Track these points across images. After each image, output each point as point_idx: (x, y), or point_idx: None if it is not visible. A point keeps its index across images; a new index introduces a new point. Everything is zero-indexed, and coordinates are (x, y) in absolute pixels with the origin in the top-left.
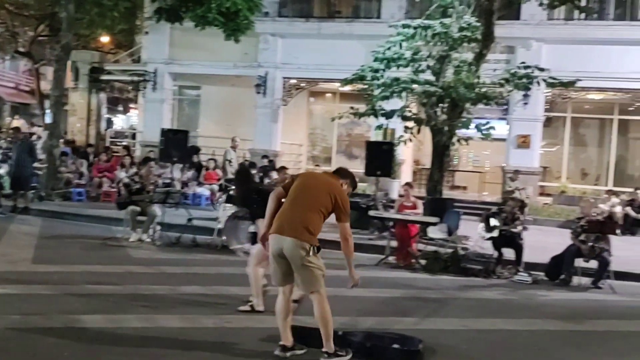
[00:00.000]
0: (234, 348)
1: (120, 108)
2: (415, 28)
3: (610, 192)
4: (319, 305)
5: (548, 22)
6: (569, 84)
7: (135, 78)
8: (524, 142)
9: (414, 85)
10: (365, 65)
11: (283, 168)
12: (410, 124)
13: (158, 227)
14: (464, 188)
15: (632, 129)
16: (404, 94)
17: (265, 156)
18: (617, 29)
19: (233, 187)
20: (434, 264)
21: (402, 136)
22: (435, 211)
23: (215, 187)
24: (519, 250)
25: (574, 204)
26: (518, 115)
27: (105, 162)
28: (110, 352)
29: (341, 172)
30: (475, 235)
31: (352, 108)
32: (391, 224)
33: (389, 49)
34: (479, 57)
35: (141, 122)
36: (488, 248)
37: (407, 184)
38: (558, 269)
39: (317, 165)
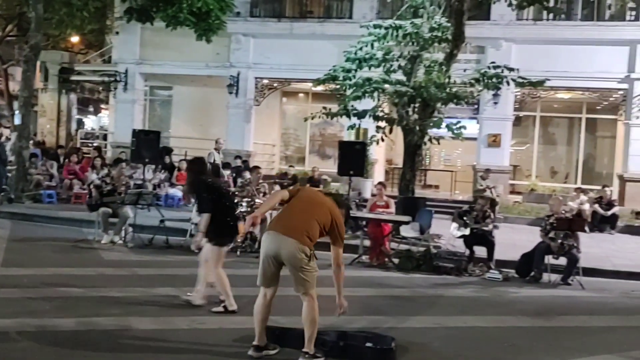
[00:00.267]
0: (208, 349)
1: (91, 109)
2: (386, 28)
3: (579, 190)
4: (309, 307)
5: (517, 22)
6: (538, 84)
7: (106, 78)
8: (494, 141)
9: (386, 86)
10: (338, 65)
11: (256, 168)
12: (382, 123)
13: (130, 229)
14: (436, 187)
15: (600, 128)
16: (375, 94)
17: (238, 156)
18: (585, 29)
19: None
20: (407, 263)
21: (374, 136)
22: (408, 210)
23: None
24: (490, 248)
25: (543, 201)
26: (488, 115)
27: (76, 164)
28: (83, 356)
29: (339, 202)
30: (447, 234)
31: (324, 108)
32: (364, 223)
33: (360, 49)
34: (450, 57)
35: (112, 123)
36: (460, 246)
37: (380, 183)
38: (528, 266)
39: (291, 167)
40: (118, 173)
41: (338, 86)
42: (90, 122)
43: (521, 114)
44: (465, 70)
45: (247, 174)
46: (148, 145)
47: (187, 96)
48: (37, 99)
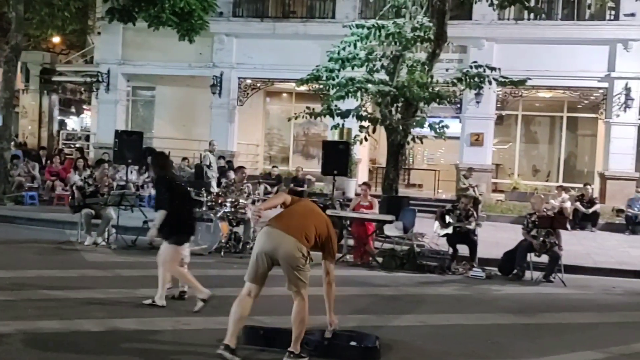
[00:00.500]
0: (193, 350)
1: (73, 110)
2: (369, 28)
3: (561, 188)
4: (299, 306)
5: (499, 22)
6: (520, 83)
7: (88, 79)
8: (477, 140)
9: (369, 85)
10: (321, 65)
11: (241, 168)
12: (366, 123)
13: (113, 230)
14: (420, 186)
15: (581, 126)
16: (359, 93)
17: (221, 157)
18: (565, 28)
19: (189, 189)
20: (391, 262)
21: (357, 135)
22: (391, 209)
23: None
24: (473, 246)
25: (525, 200)
26: (471, 114)
27: (59, 165)
28: (67, 358)
29: (334, 222)
30: (430, 233)
31: (308, 108)
32: (348, 222)
33: (343, 49)
34: (432, 57)
35: (94, 123)
36: (443, 245)
37: (365, 183)
38: (511, 264)
39: (274, 167)
40: (101, 174)
41: (321, 86)
42: (72, 123)
43: (503, 113)
44: (447, 70)
45: (232, 174)
46: (131, 146)
47: (170, 96)
48: (18, 100)
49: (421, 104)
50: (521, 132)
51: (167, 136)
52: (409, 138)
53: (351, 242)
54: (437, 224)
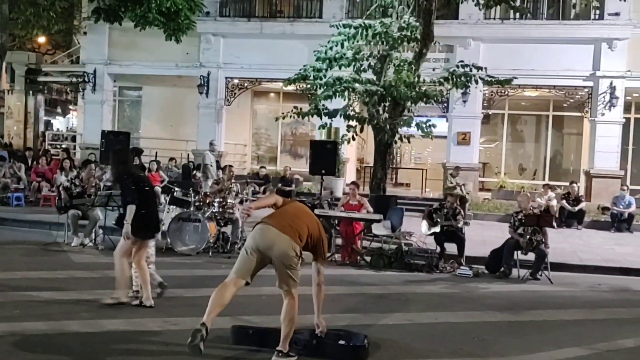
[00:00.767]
0: (181, 350)
1: (59, 110)
2: (356, 28)
3: (547, 186)
4: (290, 305)
5: (485, 21)
6: (506, 82)
7: (74, 79)
8: (464, 139)
9: (356, 85)
10: (308, 64)
11: (229, 167)
12: (353, 122)
13: (100, 231)
14: (407, 185)
15: (567, 125)
16: (346, 93)
17: None
18: (550, 28)
19: (177, 189)
20: (379, 261)
21: (345, 135)
22: (379, 208)
23: (159, 189)
24: (460, 244)
25: (512, 198)
26: (458, 113)
27: (45, 166)
28: None
29: (325, 227)
30: (418, 231)
31: (295, 108)
32: (336, 222)
33: (330, 48)
34: (419, 56)
35: (81, 124)
36: (431, 243)
37: (354, 183)
38: (498, 262)
39: (262, 168)
40: (87, 175)
41: (309, 86)
42: (58, 124)
43: (490, 112)
44: (434, 69)
45: (221, 173)
46: (117, 146)
47: (157, 96)
48: (4, 101)
49: (408, 104)
50: (507, 131)
51: (154, 136)
52: (397, 137)
53: (339, 241)
54: (424, 222)
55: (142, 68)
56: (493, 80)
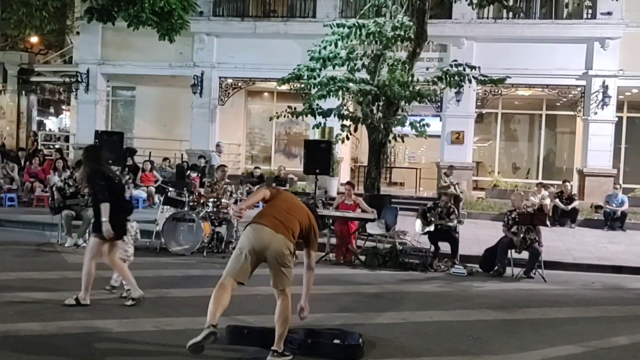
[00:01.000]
0: (176, 350)
1: (52, 110)
2: (349, 27)
3: (540, 185)
4: (284, 305)
5: (478, 21)
6: (499, 81)
7: (67, 79)
8: (457, 138)
9: (350, 84)
10: (302, 64)
11: (222, 166)
12: (347, 122)
13: None
14: (401, 184)
15: (560, 124)
16: (340, 92)
17: (202, 156)
18: (543, 27)
19: (171, 189)
20: (373, 260)
21: (339, 134)
22: (373, 207)
23: (152, 189)
24: (454, 243)
25: (506, 197)
26: (451, 112)
27: (38, 166)
28: None
29: (311, 209)
30: (412, 230)
31: (289, 107)
32: (331, 221)
33: (324, 48)
34: (413, 56)
35: (74, 124)
36: (425, 242)
37: (349, 183)
38: (492, 261)
39: (257, 168)
40: (80, 175)
41: (303, 85)
42: (51, 124)
43: (483, 111)
44: (428, 69)
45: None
46: (111, 147)
47: (151, 96)
48: None
49: (402, 103)
50: (501, 130)
51: (148, 136)
52: (391, 137)
53: (334, 240)
54: (418, 221)
55: (136, 68)
56: (486, 79)
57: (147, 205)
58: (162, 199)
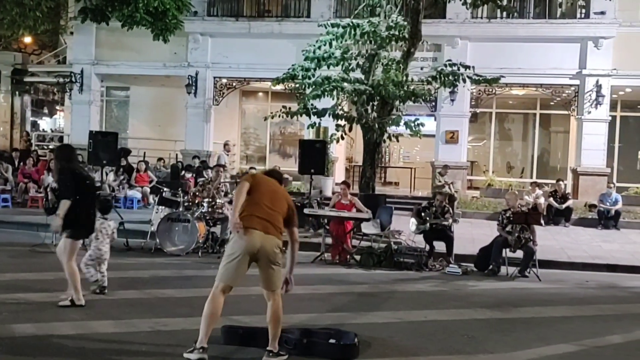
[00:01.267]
0: (171, 351)
1: (46, 110)
2: (344, 27)
3: (534, 184)
4: (276, 305)
5: (472, 20)
6: (493, 81)
7: (61, 79)
8: (452, 138)
9: (345, 84)
10: (296, 64)
11: (218, 166)
12: (342, 122)
13: None
14: (396, 184)
15: (554, 123)
16: (335, 92)
17: (196, 156)
18: (537, 26)
19: (166, 189)
20: (368, 259)
21: (334, 134)
22: (368, 207)
23: (147, 189)
24: (449, 243)
25: (500, 196)
26: (446, 112)
27: (32, 167)
28: None
29: (280, 179)
30: (407, 230)
31: (284, 107)
32: (326, 221)
33: (319, 48)
34: (407, 55)
35: (68, 124)
36: (420, 242)
37: (344, 182)
38: (486, 260)
39: (252, 168)
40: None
41: (297, 85)
42: (45, 124)
43: (477, 110)
44: (422, 68)
45: (210, 172)
46: (106, 147)
47: (145, 96)
48: None
49: (397, 103)
50: (495, 130)
51: (142, 136)
52: (385, 136)
53: (329, 240)
54: (413, 221)
55: (130, 68)
56: (480, 79)
57: (142, 206)
58: (156, 199)
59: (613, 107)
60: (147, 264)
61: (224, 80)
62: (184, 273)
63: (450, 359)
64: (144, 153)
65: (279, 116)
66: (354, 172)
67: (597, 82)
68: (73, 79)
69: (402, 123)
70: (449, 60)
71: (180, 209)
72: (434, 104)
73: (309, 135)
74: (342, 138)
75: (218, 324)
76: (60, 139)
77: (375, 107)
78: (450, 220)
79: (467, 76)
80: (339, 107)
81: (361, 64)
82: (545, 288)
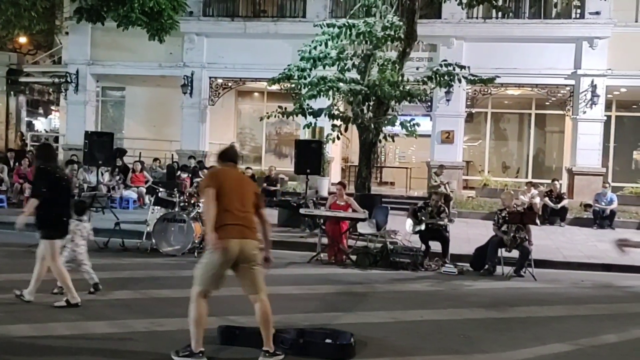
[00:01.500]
0: (167, 351)
1: (41, 111)
2: (340, 27)
3: (530, 184)
4: (264, 306)
5: (467, 20)
6: (489, 81)
7: (56, 80)
8: (447, 138)
9: (340, 84)
10: (292, 64)
11: (213, 167)
12: (338, 122)
13: None
14: (392, 184)
15: (549, 123)
16: (330, 92)
17: (192, 157)
18: (532, 27)
19: (161, 190)
20: (364, 259)
21: (330, 134)
22: (364, 207)
23: (143, 189)
24: (445, 242)
25: (496, 196)
26: (441, 112)
27: (27, 167)
28: None
29: (236, 160)
30: (403, 230)
31: (280, 107)
32: (322, 221)
33: (314, 48)
34: (403, 56)
35: (63, 125)
36: (416, 242)
37: (340, 183)
38: (482, 260)
39: (248, 168)
40: (69, 174)
41: (293, 85)
42: (41, 125)
43: (473, 110)
44: (418, 68)
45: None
46: (101, 148)
47: (140, 97)
48: None
49: (392, 103)
50: (491, 130)
51: (138, 137)
52: (381, 136)
53: (325, 240)
54: (409, 221)
55: (125, 68)
56: (476, 79)
57: (138, 206)
58: (152, 199)
59: (608, 107)
60: (142, 265)
61: (220, 81)
62: (180, 273)
63: (446, 358)
64: (140, 153)
65: (275, 116)
66: (349, 172)
67: (592, 82)
68: (68, 79)
69: (397, 123)
70: (445, 60)
71: (176, 210)
72: (429, 104)
73: (305, 135)
74: (338, 138)
75: (214, 324)
76: (56, 139)
77: (371, 107)
78: (446, 220)
79: (463, 76)
80: (335, 107)
81: (357, 64)
82: (541, 288)
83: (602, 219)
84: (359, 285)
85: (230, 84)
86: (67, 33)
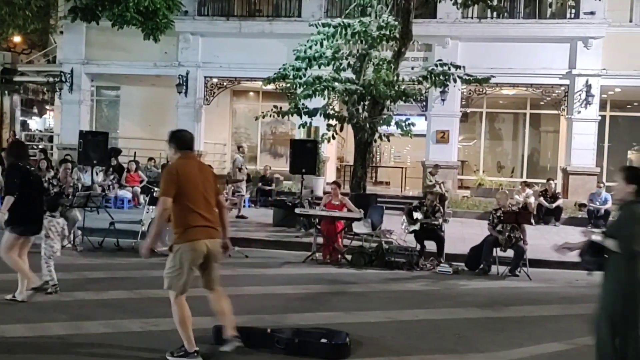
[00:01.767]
0: (161, 351)
1: (35, 110)
2: (335, 27)
3: (525, 184)
4: (225, 296)
5: (462, 20)
6: (484, 81)
7: (51, 79)
8: (442, 138)
9: (336, 84)
10: (287, 64)
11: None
12: (333, 121)
13: (79, 232)
14: (387, 183)
15: (544, 123)
16: (326, 92)
17: None
18: (527, 27)
19: (156, 189)
20: (360, 259)
21: (325, 134)
22: (359, 206)
23: (138, 189)
24: (440, 242)
25: (491, 196)
26: (436, 112)
27: None
28: None
29: (192, 146)
30: (398, 229)
31: (275, 107)
32: (317, 220)
33: (310, 47)
34: (398, 55)
35: (58, 124)
36: (411, 241)
37: (335, 183)
38: (477, 259)
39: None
40: (63, 174)
41: (288, 85)
42: (35, 124)
43: (468, 110)
44: (413, 68)
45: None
46: (96, 147)
47: (135, 96)
48: None
49: (387, 102)
50: (486, 129)
51: (133, 136)
52: (376, 136)
53: (320, 240)
54: (404, 220)
55: (120, 67)
56: (471, 78)
57: (133, 206)
58: (147, 199)
59: (602, 107)
60: (137, 264)
61: (215, 80)
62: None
63: (442, 358)
64: (135, 153)
65: (270, 116)
66: (345, 171)
67: (587, 82)
68: (63, 79)
69: (393, 123)
70: (440, 60)
71: None
72: (424, 103)
73: (300, 135)
74: (333, 138)
75: (209, 324)
76: (50, 138)
77: (366, 107)
78: (441, 220)
79: (458, 76)
80: (330, 107)
81: (352, 64)
82: (536, 287)
83: (596, 219)
84: (354, 284)
85: (225, 84)
86: (61, 32)
